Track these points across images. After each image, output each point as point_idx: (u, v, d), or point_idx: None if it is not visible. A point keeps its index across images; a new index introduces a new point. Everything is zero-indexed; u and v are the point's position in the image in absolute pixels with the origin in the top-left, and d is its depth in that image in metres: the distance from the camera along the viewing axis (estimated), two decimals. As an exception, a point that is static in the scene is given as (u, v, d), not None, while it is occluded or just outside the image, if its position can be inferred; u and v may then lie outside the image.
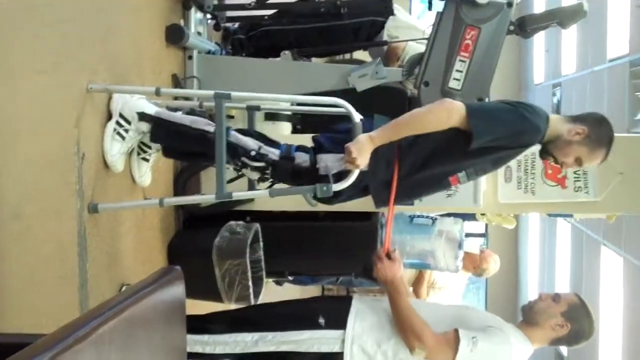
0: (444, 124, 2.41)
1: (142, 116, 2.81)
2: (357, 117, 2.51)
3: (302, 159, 2.65)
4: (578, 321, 2.62)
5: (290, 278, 4.40)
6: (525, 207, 3.62)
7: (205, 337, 2.72)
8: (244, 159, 2.67)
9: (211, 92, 2.66)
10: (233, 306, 3.63)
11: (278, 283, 4.73)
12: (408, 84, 3.94)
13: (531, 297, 8.91)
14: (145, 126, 2.83)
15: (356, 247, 3.76)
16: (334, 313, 2.65)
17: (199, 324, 2.77)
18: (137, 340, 1.58)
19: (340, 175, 2.54)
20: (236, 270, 3.50)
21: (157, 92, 2.75)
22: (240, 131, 2.73)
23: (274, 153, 2.67)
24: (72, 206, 2.56)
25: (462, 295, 5.64)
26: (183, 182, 3.63)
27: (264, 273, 3.61)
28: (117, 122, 2.83)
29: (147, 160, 3.10)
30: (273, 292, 4.64)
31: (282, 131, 3.85)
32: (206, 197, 2.75)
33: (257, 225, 3.59)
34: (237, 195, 2.70)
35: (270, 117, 3.83)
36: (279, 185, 2.78)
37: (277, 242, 3.69)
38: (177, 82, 3.73)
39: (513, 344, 2.51)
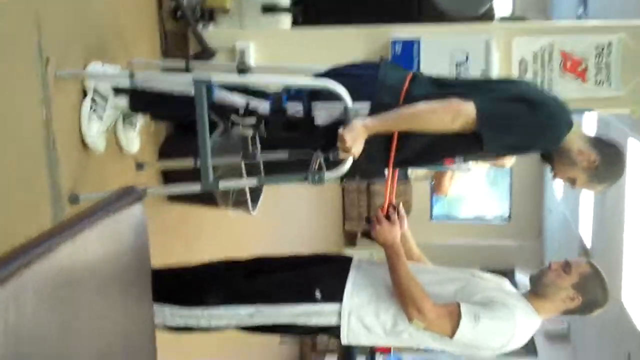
0: (447, 127, 2.22)
1: (118, 90, 2.61)
2: (350, 102, 2.30)
3: (294, 108, 2.42)
4: (590, 292, 2.44)
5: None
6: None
7: (199, 311, 2.59)
8: (233, 117, 2.48)
9: (189, 77, 2.43)
10: (230, 212, 3.49)
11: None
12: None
13: (556, 187, 8.78)
14: (122, 100, 2.63)
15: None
16: (330, 285, 2.48)
17: (192, 296, 2.63)
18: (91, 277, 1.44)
19: (335, 137, 2.31)
20: (232, 174, 3.33)
21: (131, 77, 2.52)
22: (226, 87, 2.50)
23: (263, 107, 2.45)
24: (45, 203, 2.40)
25: (485, 184, 5.50)
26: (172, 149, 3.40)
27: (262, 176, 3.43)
28: (93, 100, 2.62)
29: (133, 126, 2.91)
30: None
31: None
32: (191, 187, 2.57)
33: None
34: (224, 185, 2.56)
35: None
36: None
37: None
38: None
39: (517, 321, 2.35)
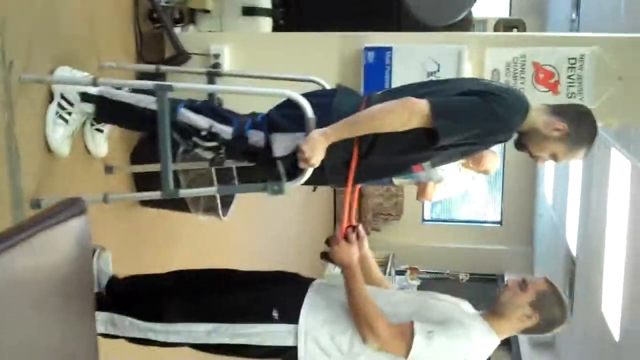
0: (404, 125, 2.24)
1: (85, 97, 2.61)
2: (311, 112, 2.31)
3: (256, 138, 2.44)
4: (548, 310, 2.42)
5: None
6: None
7: (158, 326, 2.59)
8: (195, 139, 2.48)
9: (150, 83, 2.46)
10: (201, 217, 3.49)
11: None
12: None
13: (546, 187, 8.75)
14: (89, 107, 2.62)
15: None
16: (288, 305, 2.49)
17: (151, 311, 2.64)
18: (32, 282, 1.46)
19: (295, 169, 2.36)
20: (202, 180, 3.33)
21: (94, 83, 2.52)
22: (191, 107, 2.52)
23: (226, 132, 2.46)
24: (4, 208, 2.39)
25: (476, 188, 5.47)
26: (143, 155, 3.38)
27: (236, 181, 3.43)
28: (59, 105, 2.62)
29: (101, 131, 2.90)
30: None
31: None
32: (152, 194, 2.58)
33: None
34: (184, 192, 2.58)
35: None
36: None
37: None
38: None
39: (474, 340, 2.34)
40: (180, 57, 3.38)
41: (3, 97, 2.37)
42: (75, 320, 1.69)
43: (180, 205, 3.37)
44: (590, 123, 2.44)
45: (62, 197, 2.64)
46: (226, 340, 2.52)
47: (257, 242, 6.22)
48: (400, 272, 9.76)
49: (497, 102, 2.27)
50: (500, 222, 10.94)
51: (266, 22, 3.95)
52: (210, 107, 2.57)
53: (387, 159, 2.41)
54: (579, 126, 2.40)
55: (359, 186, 2.63)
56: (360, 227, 2.56)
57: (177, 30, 3.65)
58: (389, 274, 9.19)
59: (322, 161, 2.33)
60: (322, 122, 2.33)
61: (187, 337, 2.59)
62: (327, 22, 3.81)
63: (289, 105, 2.43)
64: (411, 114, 2.23)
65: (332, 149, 2.33)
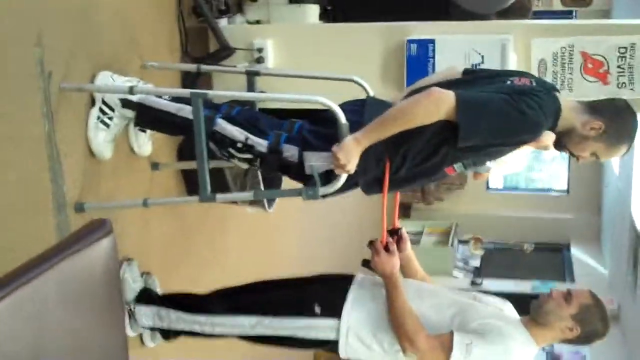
0: (433, 116, 2.21)
1: (125, 103, 2.66)
2: (343, 118, 2.30)
3: (290, 152, 2.45)
4: (590, 324, 2.42)
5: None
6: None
7: (203, 318, 2.69)
8: (230, 149, 2.52)
9: (187, 91, 2.49)
10: (248, 209, 3.53)
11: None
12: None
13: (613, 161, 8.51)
14: (129, 112, 2.67)
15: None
16: (330, 301, 2.55)
17: (196, 303, 2.75)
18: (64, 302, 1.54)
19: (329, 174, 2.38)
20: (246, 173, 3.37)
21: (131, 92, 2.56)
22: (228, 118, 2.54)
23: (261, 145, 2.48)
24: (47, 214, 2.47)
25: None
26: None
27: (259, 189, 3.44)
28: (100, 110, 2.68)
29: (144, 130, 2.95)
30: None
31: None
32: (190, 199, 2.67)
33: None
34: (221, 197, 2.59)
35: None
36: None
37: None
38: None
39: (512, 353, 2.35)
40: (224, 52, 3.40)
41: (43, 108, 2.44)
42: (106, 333, 1.75)
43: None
44: (629, 118, 2.39)
45: (106, 199, 2.76)
46: (270, 332, 2.60)
47: (305, 244, 6.20)
48: (464, 242, 9.67)
49: (525, 102, 2.22)
50: (567, 191, 10.70)
51: (313, 10, 3.93)
52: (248, 117, 2.58)
53: (418, 169, 2.41)
54: (617, 122, 2.35)
55: (396, 193, 2.64)
56: (403, 230, 2.59)
57: (223, 21, 3.66)
58: (452, 245, 9.13)
59: (356, 174, 2.35)
60: None
61: (232, 329, 2.68)
62: (375, 11, 3.75)
63: (324, 120, 2.43)
64: (437, 105, 2.19)
65: (364, 168, 2.36)
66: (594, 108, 2.36)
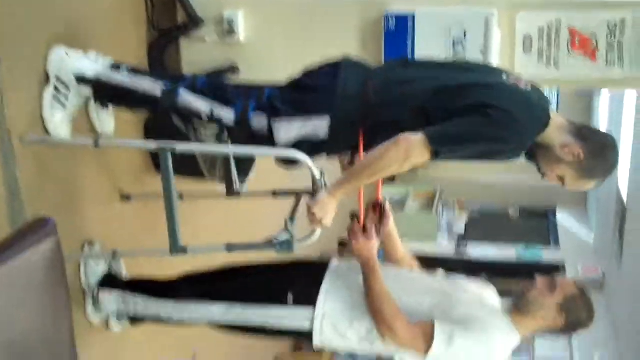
0: (403, 165, 2.14)
1: (81, 80, 2.49)
2: (318, 173, 2.29)
3: (259, 122, 2.34)
4: (574, 314, 2.35)
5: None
6: (548, 82, 3.09)
7: (170, 304, 2.59)
8: (195, 123, 2.42)
9: (153, 144, 2.41)
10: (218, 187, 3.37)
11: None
12: None
13: (601, 122, 8.37)
14: (86, 90, 2.51)
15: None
16: (304, 289, 2.45)
17: (164, 288, 2.66)
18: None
19: (302, 143, 2.31)
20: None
21: (96, 144, 2.47)
22: (192, 87, 2.41)
23: (227, 117, 2.36)
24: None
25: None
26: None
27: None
28: (55, 87, 2.50)
29: (106, 106, 2.78)
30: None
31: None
32: (159, 251, 2.57)
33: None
34: (193, 248, 2.49)
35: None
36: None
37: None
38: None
39: (495, 344, 2.28)
40: (193, 24, 3.22)
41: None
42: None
43: (196, 174, 3.27)
44: (609, 158, 2.30)
45: (63, 183, 2.61)
46: (241, 320, 2.50)
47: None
48: (448, 207, 9.57)
49: (503, 124, 2.13)
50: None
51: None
52: (214, 87, 2.44)
53: None
54: (597, 158, 2.25)
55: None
56: (387, 205, 2.49)
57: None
58: (436, 210, 9.03)
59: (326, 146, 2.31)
60: (326, 107, 2.25)
61: (200, 317, 2.60)
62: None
63: (291, 87, 2.34)
64: (408, 155, 2.13)
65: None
66: (580, 133, 2.26)
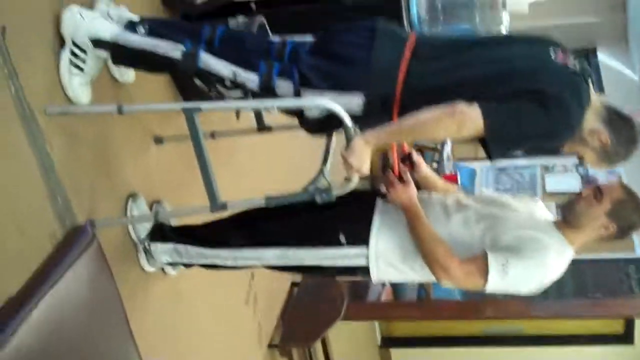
0: (453, 136, 2.10)
1: (97, 43, 2.41)
2: (349, 121, 2.14)
3: (285, 89, 2.25)
4: (625, 218, 2.31)
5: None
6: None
7: (225, 252, 2.62)
8: (219, 87, 2.33)
9: (177, 106, 2.34)
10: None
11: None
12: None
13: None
14: (103, 53, 2.44)
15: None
16: (355, 229, 2.46)
17: (214, 236, 2.66)
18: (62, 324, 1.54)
19: (330, 118, 2.21)
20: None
21: (120, 111, 2.34)
22: (212, 51, 2.31)
23: (252, 80, 2.28)
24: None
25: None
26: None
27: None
28: (72, 52, 2.43)
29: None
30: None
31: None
32: (199, 209, 2.48)
33: (261, 18, 3.09)
34: (233, 204, 2.42)
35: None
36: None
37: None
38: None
39: (550, 263, 2.28)
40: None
41: (4, 69, 2.19)
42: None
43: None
44: (632, 151, 2.28)
45: (93, 144, 2.56)
46: (296, 262, 2.55)
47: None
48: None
49: (557, 110, 2.10)
50: (588, -11, 10.14)
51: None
52: (233, 44, 2.35)
53: None
54: (621, 149, 2.25)
55: None
56: (414, 154, 2.50)
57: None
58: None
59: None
60: (360, 80, 2.18)
61: (256, 262, 2.63)
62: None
63: (326, 53, 2.24)
64: (461, 127, 2.08)
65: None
66: (612, 122, 2.23)
